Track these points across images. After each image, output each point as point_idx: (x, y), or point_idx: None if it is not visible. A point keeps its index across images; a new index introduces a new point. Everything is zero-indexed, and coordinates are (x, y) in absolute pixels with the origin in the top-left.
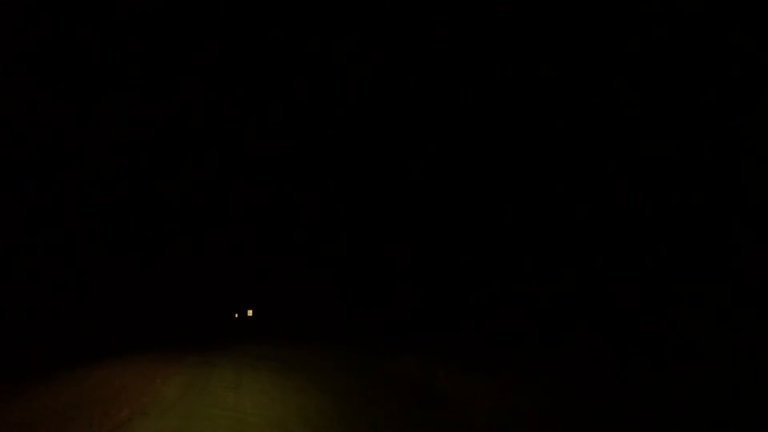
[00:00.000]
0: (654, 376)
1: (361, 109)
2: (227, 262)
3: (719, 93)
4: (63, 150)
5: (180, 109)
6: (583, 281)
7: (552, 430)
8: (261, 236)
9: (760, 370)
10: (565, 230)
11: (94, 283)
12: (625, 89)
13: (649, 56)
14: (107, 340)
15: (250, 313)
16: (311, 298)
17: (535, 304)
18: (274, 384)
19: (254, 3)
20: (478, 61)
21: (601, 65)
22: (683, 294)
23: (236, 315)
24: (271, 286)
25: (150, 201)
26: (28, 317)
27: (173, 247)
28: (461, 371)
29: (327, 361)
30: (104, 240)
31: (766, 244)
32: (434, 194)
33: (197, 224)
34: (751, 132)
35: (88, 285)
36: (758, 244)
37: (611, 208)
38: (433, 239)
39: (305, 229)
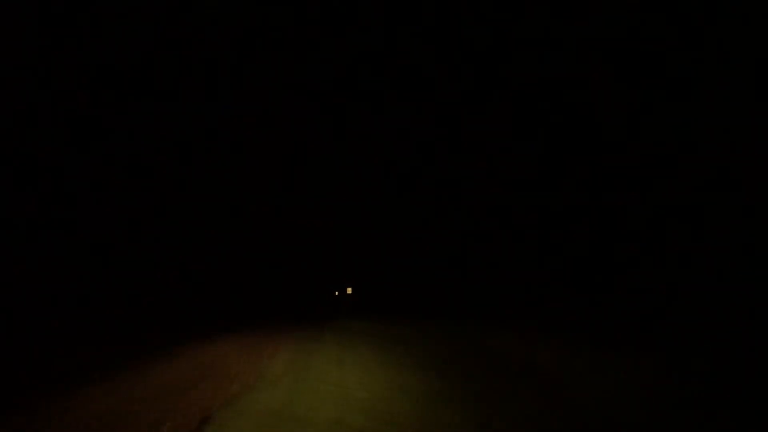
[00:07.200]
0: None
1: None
2: (327, 240)
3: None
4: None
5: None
6: (686, 264)
7: (657, 410)
8: (361, 213)
9: None
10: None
11: (198, 260)
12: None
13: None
14: (215, 317)
15: (349, 290)
16: (410, 276)
17: (642, 283)
18: (376, 361)
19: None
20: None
21: None
22: None
23: (336, 293)
24: (371, 263)
25: (249, 180)
26: (143, 295)
27: (275, 227)
28: (563, 348)
29: (428, 338)
30: (208, 219)
31: None
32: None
33: (298, 204)
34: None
35: (193, 263)
36: None
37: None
38: (533, 218)
39: (406, 208)
